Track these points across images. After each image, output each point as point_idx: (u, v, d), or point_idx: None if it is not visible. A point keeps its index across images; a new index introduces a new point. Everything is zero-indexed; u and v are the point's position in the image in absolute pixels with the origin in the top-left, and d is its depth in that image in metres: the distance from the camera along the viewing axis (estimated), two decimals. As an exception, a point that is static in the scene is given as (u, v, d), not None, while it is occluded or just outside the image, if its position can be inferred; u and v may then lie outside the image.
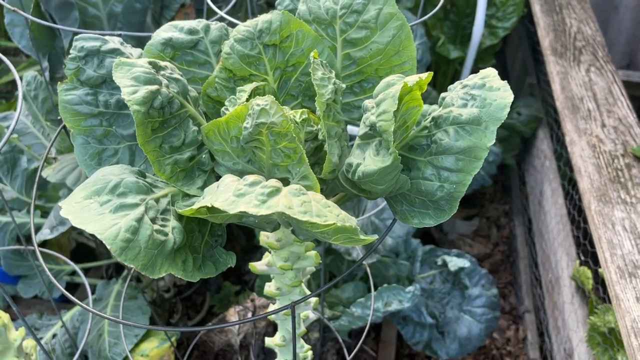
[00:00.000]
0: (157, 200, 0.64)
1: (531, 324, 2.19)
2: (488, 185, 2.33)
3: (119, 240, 0.56)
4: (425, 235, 2.55)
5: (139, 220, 0.58)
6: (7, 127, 1.65)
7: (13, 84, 2.99)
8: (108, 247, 0.55)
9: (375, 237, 0.65)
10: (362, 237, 0.62)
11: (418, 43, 2.09)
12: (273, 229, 0.76)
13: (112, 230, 0.56)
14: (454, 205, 0.71)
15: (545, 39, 2.07)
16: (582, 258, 1.84)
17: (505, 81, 0.71)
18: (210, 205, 0.56)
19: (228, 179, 0.60)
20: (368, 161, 0.65)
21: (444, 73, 2.66)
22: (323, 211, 0.56)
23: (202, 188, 0.72)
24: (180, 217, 0.66)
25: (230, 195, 0.56)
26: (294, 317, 0.76)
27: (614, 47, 3.02)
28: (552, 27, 2.13)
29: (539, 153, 2.44)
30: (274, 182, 0.57)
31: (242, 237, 2.33)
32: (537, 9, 2.23)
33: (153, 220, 0.60)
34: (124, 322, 0.65)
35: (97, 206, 0.59)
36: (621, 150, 1.60)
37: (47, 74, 1.55)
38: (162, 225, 0.61)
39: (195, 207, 0.59)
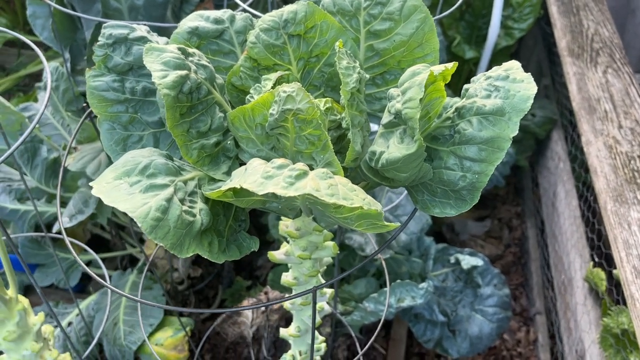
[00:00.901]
0: (185, 182, 0.65)
1: (542, 325, 2.19)
2: (501, 185, 2.33)
3: (150, 219, 0.57)
4: (437, 235, 2.55)
5: (169, 200, 0.59)
6: (28, 118, 1.68)
7: (30, 77, 3.02)
8: (139, 224, 0.56)
9: (397, 224, 0.66)
10: (385, 223, 0.63)
11: (435, 42, 2.09)
12: (295, 216, 0.77)
13: (143, 209, 0.57)
14: (476, 195, 0.71)
15: (562, 40, 2.07)
16: (596, 260, 1.84)
17: (529, 73, 0.72)
18: (239, 187, 0.57)
19: (256, 162, 0.61)
20: (392, 149, 0.66)
21: (458, 73, 2.66)
22: (349, 194, 0.57)
23: (227, 173, 0.73)
24: (206, 200, 0.67)
25: (259, 177, 0.57)
26: (314, 303, 0.77)
27: (631, 50, 3.00)
28: (569, 29, 2.13)
29: (553, 155, 2.43)
30: (301, 166, 0.58)
31: (254, 233, 2.35)
32: (554, 10, 2.23)
33: (182, 201, 0.62)
34: (142, 301, 0.67)
35: (127, 186, 0.61)
36: (638, 152, 1.59)
37: (68, 65, 1.57)
38: (190, 207, 0.62)
39: (223, 188, 0.60)
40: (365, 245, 1.64)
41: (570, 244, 2.01)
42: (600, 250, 1.84)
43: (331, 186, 0.56)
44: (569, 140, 2.36)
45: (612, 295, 1.69)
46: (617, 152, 1.59)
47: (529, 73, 0.71)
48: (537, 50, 2.84)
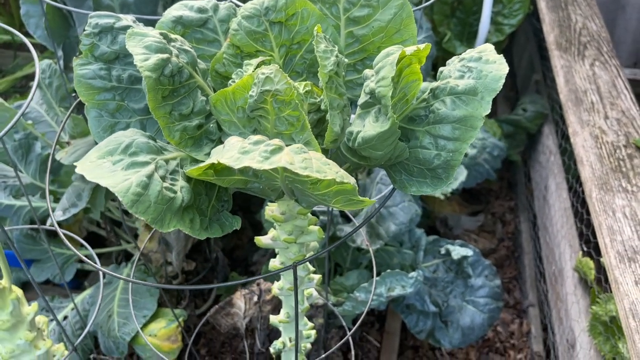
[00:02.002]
0: (166, 161, 0.67)
1: (535, 318, 2.21)
2: (492, 179, 2.35)
3: (130, 194, 0.59)
4: (430, 229, 2.57)
5: (150, 176, 0.61)
6: (23, 115, 1.70)
7: (27, 78, 3.05)
8: (120, 199, 0.58)
9: (374, 200, 0.68)
10: (360, 198, 0.65)
11: (424, 36, 2.12)
12: (277, 197, 0.79)
13: (124, 184, 0.59)
14: (451, 173, 0.74)
15: (551, 35, 2.09)
16: (585, 249, 1.86)
17: (501, 55, 0.74)
18: (216, 162, 0.59)
19: (234, 139, 0.63)
20: (367, 127, 0.68)
21: (450, 70, 2.68)
22: (323, 168, 0.59)
23: (209, 155, 0.75)
24: (188, 179, 0.69)
25: (235, 152, 0.60)
26: (295, 278, 0.79)
27: (621, 46, 3.03)
28: (557, 23, 2.15)
29: (544, 149, 2.46)
30: (277, 141, 0.61)
31: (249, 229, 2.37)
32: (542, 5, 2.26)
33: (163, 179, 0.64)
34: (135, 281, 0.69)
35: (110, 164, 0.63)
36: (623, 141, 1.62)
37: (61, 62, 1.60)
38: (171, 184, 0.64)
39: (202, 165, 0.62)
40: (356, 237, 1.66)
41: (561, 235, 2.04)
42: (589, 240, 1.86)
43: (305, 160, 0.59)
44: (559, 134, 2.38)
45: (600, 283, 1.71)
46: (603, 141, 1.61)
47: (501, 55, 0.74)
48: (528, 46, 2.87)
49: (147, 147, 0.66)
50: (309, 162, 0.58)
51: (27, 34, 2.90)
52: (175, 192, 0.64)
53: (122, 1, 1.52)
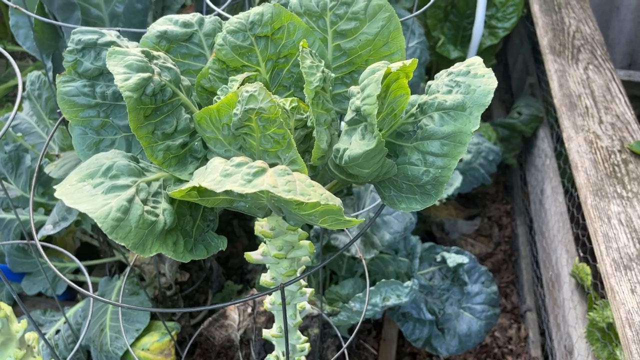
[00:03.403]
0: (148, 183, 0.66)
1: (533, 322, 2.20)
2: (488, 183, 2.34)
3: (110, 219, 0.57)
4: (427, 234, 2.56)
5: (130, 200, 0.60)
6: (13, 127, 1.68)
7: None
8: (99, 225, 0.57)
9: (362, 220, 0.67)
10: (347, 218, 0.63)
11: (416, 42, 2.11)
12: (264, 215, 0.78)
13: (104, 210, 0.58)
14: (440, 189, 0.72)
15: (544, 38, 2.09)
16: (582, 255, 1.85)
17: (490, 69, 0.73)
18: (198, 186, 0.58)
19: (216, 161, 0.62)
20: (354, 145, 0.67)
21: (444, 74, 2.67)
22: (307, 190, 0.58)
23: (194, 175, 0.74)
24: (172, 201, 0.68)
25: (217, 175, 0.58)
26: (283, 298, 0.78)
27: (616, 47, 3.02)
28: (550, 26, 2.14)
29: (540, 152, 2.45)
30: (260, 163, 0.59)
31: (244, 236, 2.35)
32: (536, 8, 2.25)
33: (144, 202, 0.62)
34: (124, 305, 0.67)
35: (90, 188, 0.61)
36: (618, 146, 1.61)
37: (50, 74, 1.58)
38: (153, 207, 0.63)
39: (184, 187, 0.60)
40: (351, 247, 1.65)
41: (557, 240, 2.02)
42: (586, 246, 1.85)
43: (289, 182, 0.57)
44: (554, 137, 2.38)
45: (597, 289, 1.70)
46: (597, 147, 1.60)
47: (490, 69, 0.72)
48: (522, 49, 2.86)
49: (127, 169, 0.64)
50: (292, 184, 0.57)
51: (18, 43, 2.89)
52: (157, 215, 0.62)
53: (111, 12, 1.51)
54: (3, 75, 2.96)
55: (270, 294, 1.06)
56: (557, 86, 1.85)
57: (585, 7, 2.27)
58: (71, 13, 1.46)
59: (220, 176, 0.58)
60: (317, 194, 0.58)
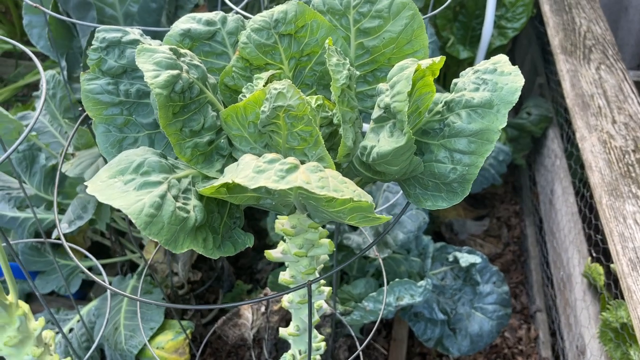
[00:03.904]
0: (178, 179, 0.66)
1: (543, 323, 2.19)
2: (498, 184, 2.34)
3: (144, 215, 0.58)
4: (436, 235, 2.55)
5: (162, 197, 0.60)
6: (26, 126, 1.69)
7: (29, 87, 3.04)
8: (133, 221, 0.57)
9: (390, 217, 0.67)
10: (377, 215, 0.63)
11: (428, 42, 2.11)
12: (289, 212, 0.78)
13: (137, 206, 0.58)
14: (467, 187, 0.72)
15: (555, 38, 2.08)
16: (594, 255, 1.84)
17: (516, 66, 0.73)
18: (231, 182, 0.58)
19: (248, 157, 0.62)
20: (382, 142, 0.67)
21: (453, 73, 2.67)
22: (340, 186, 0.58)
23: (221, 171, 0.74)
24: (200, 198, 0.68)
25: (250, 171, 0.58)
26: (310, 296, 0.78)
27: (624, 48, 3.02)
28: (561, 27, 2.14)
29: (550, 152, 2.44)
30: (292, 160, 0.59)
31: (254, 237, 2.35)
32: (546, 8, 2.25)
33: (175, 198, 0.62)
34: (142, 299, 0.67)
35: (122, 184, 0.62)
36: (632, 146, 1.60)
37: (65, 73, 1.59)
38: (184, 204, 0.63)
39: (216, 184, 0.61)
40: (364, 245, 1.65)
41: (569, 240, 2.02)
42: (598, 246, 1.85)
43: (322, 179, 0.57)
44: (564, 137, 2.37)
45: (610, 289, 1.70)
46: (611, 146, 1.60)
47: (516, 66, 0.72)
48: (531, 49, 2.86)
49: (159, 166, 0.64)
50: (325, 180, 0.57)
51: (27, 43, 2.90)
52: (188, 211, 0.63)
53: (126, 11, 1.51)
54: (12, 74, 2.97)
55: (290, 292, 1.06)
56: (569, 86, 1.85)
57: (596, 7, 2.27)
58: (86, 12, 1.47)
59: (253, 172, 0.58)
60: (350, 190, 0.58)
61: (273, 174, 0.57)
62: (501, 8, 2.53)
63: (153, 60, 0.69)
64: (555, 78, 2.46)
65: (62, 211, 1.62)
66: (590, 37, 2.07)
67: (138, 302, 1.30)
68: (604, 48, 2.02)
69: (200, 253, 0.63)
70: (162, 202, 0.60)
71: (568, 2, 2.29)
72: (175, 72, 0.69)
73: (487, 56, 2.53)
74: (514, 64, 0.73)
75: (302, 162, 0.74)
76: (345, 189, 0.58)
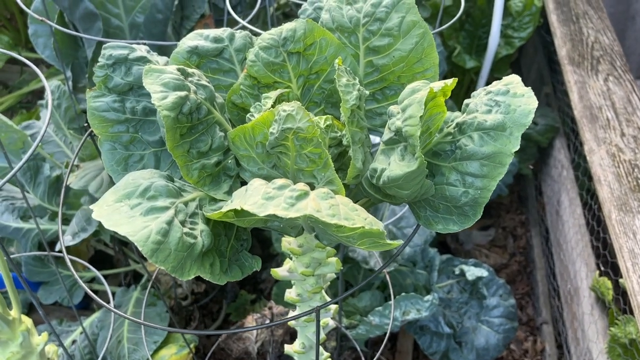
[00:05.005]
0: (185, 203, 0.65)
1: (549, 335, 2.17)
2: (504, 194, 2.32)
3: (150, 242, 0.56)
4: (441, 245, 2.54)
5: (170, 222, 0.59)
6: (30, 136, 1.68)
7: (33, 94, 3.04)
8: (140, 248, 0.55)
9: (400, 242, 0.65)
10: (388, 241, 0.62)
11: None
12: (297, 234, 0.77)
13: (144, 233, 0.57)
14: (478, 211, 0.71)
15: (563, 49, 2.07)
16: (602, 268, 1.82)
17: (529, 87, 0.72)
18: (239, 208, 0.57)
19: (256, 183, 0.61)
20: (393, 166, 0.66)
21: (459, 83, 2.66)
22: (351, 214, 0.56)
23: (228, 193, 0.73)
24: (207, 221, 0.67)
25: (259, 198, 0.57)
26: (318, 322, 0.76)
27: (631, 57, 3.00)
28: (569, 37, 2.13)
29: (556, 163, 2.42)
30: (302, 186, 0.58)
31: (257, 246, 2.34)
32: (553, 18, 2.23)
33: (182, 223, 0.61)
34: (144, 323, 0.66)
35: (128, 209, 0.60)
36: (641, 160, 1.58)
37: (70, 83, 1.58)
38: (191, 229, 0.62)
39: (224, 209, 0.59)
40: (369, 259, 1.63)
41: (576, 253, 2.00)
42: (606, 259, 1.83)
43: (332, 206, 0.56)
44: (571, 148, 2.35)
45: (619, 304, 1.68)
46: (620, 160, 1.58)
47: (529, 87, 0.71)
48: (537, 58, 2.84)
49: (166, 190, 0.63)
50: (336, 208, 0.56)
51: (33, 50, 2.90)
52: (195, 237, 0.61)
53: (132, 22, 1.51)
54: (17, 81, 2.97)
55: (293, 306, 1.05)
56: (577, 98, 1.83)
57: (603, 17, 2.25)
58: (92, 23, 1.46)
59: (263, 199, 0.57)
60: (361, 218, 0.57)
61: (282, 201, 0.56)
62: (508, 17, 2.52)
63: (161, 81, 0.68)
64: (562, 88, 2.44)
65: (66, 222, 1.61)
66: (598, 48, 2.06)
67: (142, 312, 1.28)
68: (611, 59, 2.00)
69: (207, 279, 0.61)
70: (169, 228, 0.58)
71: (575, 12, 2.27)
72: (183, 93, 0.68)
73: (494, 66, 2.52)
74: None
75: (311, 184, 0.72)
76: (357, 217, 0.57)
